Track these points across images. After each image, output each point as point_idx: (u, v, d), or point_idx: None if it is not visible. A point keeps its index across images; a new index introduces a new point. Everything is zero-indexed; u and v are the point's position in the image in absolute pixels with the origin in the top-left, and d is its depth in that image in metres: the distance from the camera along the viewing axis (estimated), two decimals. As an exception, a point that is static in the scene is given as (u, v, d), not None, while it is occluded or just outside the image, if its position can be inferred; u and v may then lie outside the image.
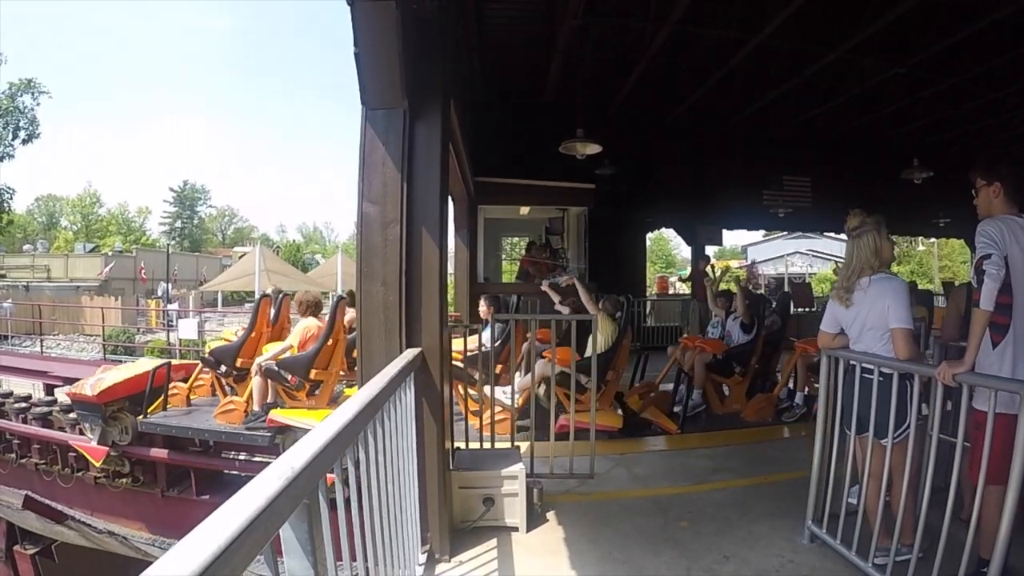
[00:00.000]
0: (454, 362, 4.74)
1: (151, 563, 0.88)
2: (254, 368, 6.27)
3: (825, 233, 24.72)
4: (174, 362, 7.65)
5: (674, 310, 15.58)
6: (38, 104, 35.51)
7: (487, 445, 4.80)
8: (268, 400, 6.26)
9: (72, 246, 45.44)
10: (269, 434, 6.13)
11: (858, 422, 3.26)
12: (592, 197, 9.92)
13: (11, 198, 36.38)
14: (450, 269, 7.58)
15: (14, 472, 8.09)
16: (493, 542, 3.71)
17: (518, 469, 3.94)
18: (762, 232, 41.50)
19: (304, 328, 6.39)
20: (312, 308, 6.63)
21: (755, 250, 48.01)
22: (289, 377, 6.01)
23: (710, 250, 14.84)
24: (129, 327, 21.94)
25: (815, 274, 38.10)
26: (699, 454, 5.60)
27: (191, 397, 7.27)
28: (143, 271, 33.66)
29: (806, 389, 6.86)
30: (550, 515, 4.10)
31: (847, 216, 3.32)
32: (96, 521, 7.50)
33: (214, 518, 1.02)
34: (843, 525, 3.33)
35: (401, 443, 2.68)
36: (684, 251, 34.27)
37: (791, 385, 7.10)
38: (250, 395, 6.38)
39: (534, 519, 3.99)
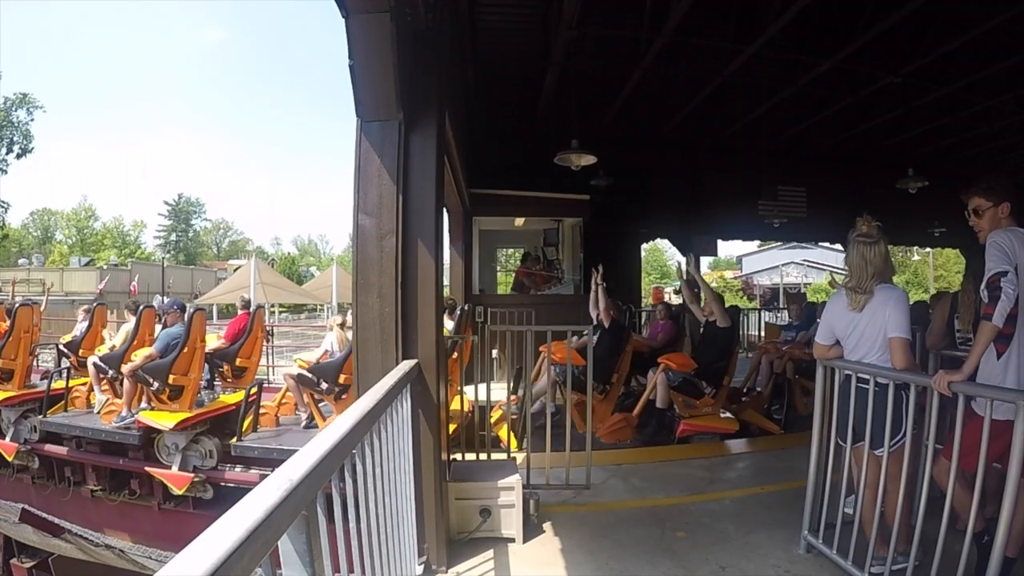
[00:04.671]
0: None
1: None
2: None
3: (820, 243, 24.80)
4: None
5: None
6: (32, 119, 35.65)
7: (483, 456, 4.81)
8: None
9: (67, 260, 45.20)
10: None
11: (854, 432, 3.27)
12: (587, 208, 9.92)
13: (6, 212, 36.41)
14: (445, 281, 7.57)
15: (11, 485, 8.09)
16: (490, 553, 3.71)
17: (514, 480, 3.95)
18: (757, 242, 41.74)
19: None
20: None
21: (750, 260, 48.24)
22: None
23: (704, 260, 14.82)
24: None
25: (810, 284, 38.27)
26: (696, 464, 5.61)
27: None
28: (135, 286, 33.51)
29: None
30: (546, 526, 4.11)
31: (858, 221, 3.25)
32: (93, 534, 7.51)
33: (214, 529, 1.02)
34: (839, 535, 3.34)
35: (398, 454, 2.68)
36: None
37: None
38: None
39: (530, 530, 3.99)
